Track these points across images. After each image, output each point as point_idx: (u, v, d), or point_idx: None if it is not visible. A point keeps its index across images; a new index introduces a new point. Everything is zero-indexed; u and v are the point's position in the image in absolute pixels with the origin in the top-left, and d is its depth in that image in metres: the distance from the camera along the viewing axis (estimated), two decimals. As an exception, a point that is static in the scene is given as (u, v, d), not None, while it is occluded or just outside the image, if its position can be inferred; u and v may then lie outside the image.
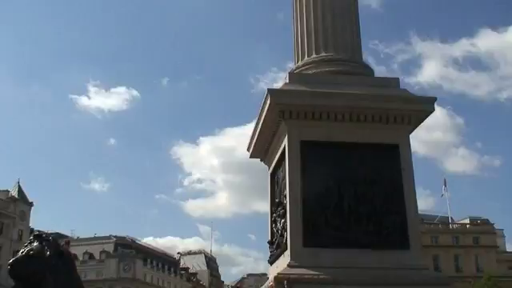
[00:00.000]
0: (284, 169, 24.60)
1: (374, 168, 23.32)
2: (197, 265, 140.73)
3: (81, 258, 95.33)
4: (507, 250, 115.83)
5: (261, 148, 28.23)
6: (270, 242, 24.92)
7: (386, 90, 25.05)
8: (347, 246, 22.13)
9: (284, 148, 24.64)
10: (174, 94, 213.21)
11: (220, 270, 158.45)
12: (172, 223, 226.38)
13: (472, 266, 78.16)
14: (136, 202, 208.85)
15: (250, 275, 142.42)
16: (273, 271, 24.31)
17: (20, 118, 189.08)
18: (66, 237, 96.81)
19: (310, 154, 23.41)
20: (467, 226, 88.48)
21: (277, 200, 24.79)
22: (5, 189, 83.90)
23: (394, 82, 26.21)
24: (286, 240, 22.99)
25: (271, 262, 24.86)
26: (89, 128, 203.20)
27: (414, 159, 24.39)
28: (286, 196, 23.47)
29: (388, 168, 23.60)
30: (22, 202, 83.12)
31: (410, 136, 25.04)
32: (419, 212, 25.11)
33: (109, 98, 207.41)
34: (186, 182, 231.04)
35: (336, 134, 23.72)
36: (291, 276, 21.64)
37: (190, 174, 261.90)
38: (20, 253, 13.66)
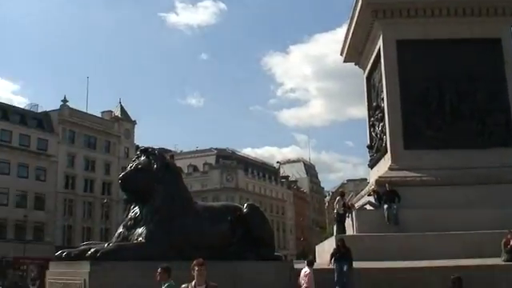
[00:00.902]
0: (380, 71, 24.04)
1: (476, 64, 22.22)
2: (296, 173, 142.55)
3: (185, 171, 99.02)
4: None
5: (354, 52, 27.62)
6: (370, 147, 24.81)
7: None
8: (449, 147, 21.67)
9: (379, 49, 23.96)
10: (260, 4, 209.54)
11: (319, 177, 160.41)
12: (268, 133, 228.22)
13: None
14: (232, 114, 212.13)
15: (349, 181, 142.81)
16: (373, 175, 24.37)
17: (114, 40, 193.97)
18: (170, 151, 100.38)
19: (407, 53, 22.61)
20: None
21: (374, 104, 24.43)
22: (108, 109, 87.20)
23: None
24: (386, 143, 22.80)
25: (371, 166, 24.84)
26: (180, 45, 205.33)
27: (514, 53, 23.16)
28: (383, 99, 23.10)
29: (490, 63, 22.44)
30: (125, 121, 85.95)
31: (512, 29, 23.69)
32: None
33: (196, 13, 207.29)
34: (279, 92, 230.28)
35: (433, 31, 22.86)
36: (392, 179, 21.61)
37: (282, 84, 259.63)
38: (129, 167, 14.33)
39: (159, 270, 10.15)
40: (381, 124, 22.91)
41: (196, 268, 7.87)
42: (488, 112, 21.86)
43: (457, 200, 19.66)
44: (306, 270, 14.87)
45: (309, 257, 15.56)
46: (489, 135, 21.70)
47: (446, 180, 20.43)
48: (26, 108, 76.83)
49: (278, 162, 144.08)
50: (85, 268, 11.95)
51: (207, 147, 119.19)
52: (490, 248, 17.20)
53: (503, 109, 21.95)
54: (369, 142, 24.85)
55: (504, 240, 16.89)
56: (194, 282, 7.87)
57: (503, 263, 16.21)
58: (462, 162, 20.89)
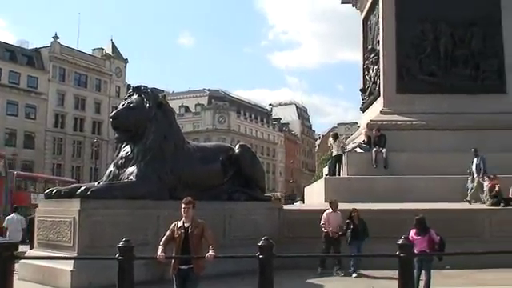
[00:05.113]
0: (377, 13, 23.62)
1: (473, 8, 21.82)
2: (288, 115, 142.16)
3: (177, 112, 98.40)
4: None
5: (352, -8, 27.07)
6: (363, 90, 24.67)
7: None
8: (442, 92, 21.52)
9: (377, -10, 23.50)
10: None
11: (310, 120, 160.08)
12: (260, 76, 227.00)
13: None
14: (224, 55, 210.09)
15: (340, 124, 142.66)
16: (365, 119, 24.32)
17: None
18: (162, 91, 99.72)
19: (405, -5, 22.22)
20: None
21: (369, 46, 24.14)
22: (99, 47, 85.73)
23: None
24: (379, 87, 22.68)
25: (363, 109, 24.78)
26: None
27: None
28: (379, 42, 22.83)
29: (488, 7, 22.07)
30: (116, 59, 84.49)
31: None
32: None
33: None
34: (271, 35, 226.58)
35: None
36: (384, 122, 21.61)
37: (274, 26, 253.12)
38: (121, 106, 14.20)
39: None
40: (375, 67, 22.72)
41: (183, 206, 8.15)
42: (482, 57, 21.68)
43: (446, 145, 19.74)
44: (329, 211, 14.88)
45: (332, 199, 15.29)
46: (482, 81, 21.61)
47: (436, 125, 20.48)
48: (16, 44, 75.71)
49: (270, 105, 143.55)
50: (75, 206, 11.92)
51: (200, 88, 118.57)
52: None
53: (497, 54, 21.79)
54: (362, 86, 24.71)
55: (489, 185, 17.05)
56: (182, 220, 8.08)
57: (488, 207, 16.47)
58: (454, 107, 20.87)
